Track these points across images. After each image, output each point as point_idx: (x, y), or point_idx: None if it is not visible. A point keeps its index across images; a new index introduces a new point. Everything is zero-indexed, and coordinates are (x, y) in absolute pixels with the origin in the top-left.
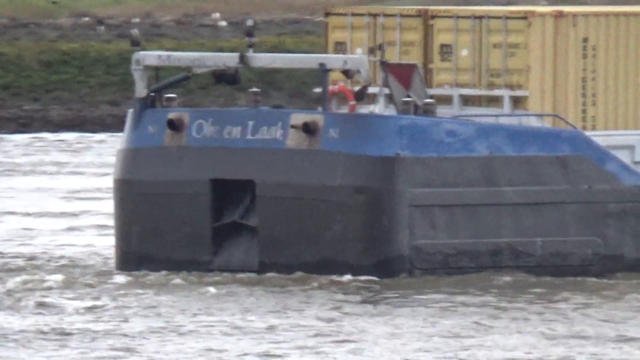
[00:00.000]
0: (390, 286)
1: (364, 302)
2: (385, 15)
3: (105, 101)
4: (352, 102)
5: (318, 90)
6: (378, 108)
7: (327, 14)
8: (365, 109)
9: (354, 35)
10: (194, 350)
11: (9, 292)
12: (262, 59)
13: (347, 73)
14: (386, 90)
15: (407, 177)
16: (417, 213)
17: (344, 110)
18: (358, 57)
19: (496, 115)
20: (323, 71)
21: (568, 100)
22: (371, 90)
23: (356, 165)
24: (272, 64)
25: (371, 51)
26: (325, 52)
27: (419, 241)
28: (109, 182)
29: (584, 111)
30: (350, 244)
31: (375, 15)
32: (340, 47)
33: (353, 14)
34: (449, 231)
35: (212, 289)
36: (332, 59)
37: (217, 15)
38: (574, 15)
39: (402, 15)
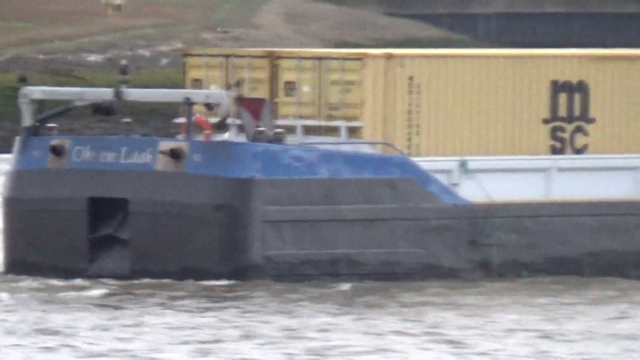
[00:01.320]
0: (242, 289)
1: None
2: (237, 56)
3: None
4: (208, 132)
5: (179, 120)
6: (229, 136)
7: (185, 55)
8: (218, 137)
9: (209, 73)
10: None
11: None
12: (134, 94)
13: (208, 106)
14: (237, 121)
15: (260, 196)
16: (268, 228)
17: (201, 138)
18: (219, 92)
19: (335, 143)
20: (188, 104)
21: (396, 130)
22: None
23: (216, 186)
24: (143, 98)
25: (229, 87)
26: (184, 87)
27: (270, 252)
28: None
29: (409, 139)
30: (211, 254)
31: (227, 56)
32: (197, 83)
33: (208, 55)
34: (295, 243)
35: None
36: (196, 94)
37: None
38: (402, 56)
39: (251, 56)
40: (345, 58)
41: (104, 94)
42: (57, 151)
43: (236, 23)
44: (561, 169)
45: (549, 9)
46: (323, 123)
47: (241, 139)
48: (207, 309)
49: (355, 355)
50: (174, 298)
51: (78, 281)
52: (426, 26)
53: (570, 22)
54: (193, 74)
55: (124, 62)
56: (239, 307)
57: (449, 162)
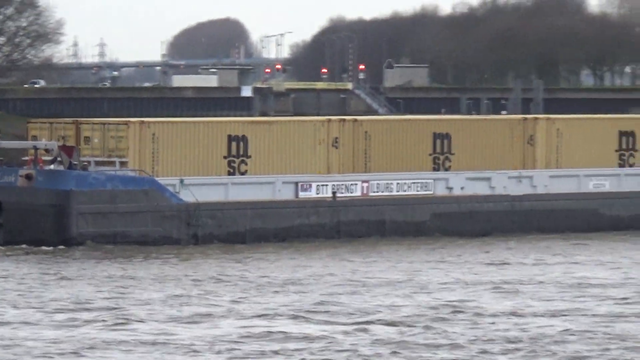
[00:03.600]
0: (67, 252)
1: None
2: (57, 122)
3: None
4: (41, 165)
5: (27, 158)
6: (56, 167)
7: (28, 122)
8: (51, 167)
9: (41, 132)
10: None
11: None
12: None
13: (47, 150)
14: (59, 158)
15: (76, 200)
16: (80, 217)
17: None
18: (51, 142)
19: (114, 170)
20: (35, 149)
21: (146, 163)
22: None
23: (52, 194)
24: (4, 146)
25: (57, 140)
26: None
27: (82, 230)
28: None
29: (153, 168)
30: (50, 232)
31: (51, 123)
32: (34, 138)
33: (40, 122)
34: (95, 225)
35: None
36: (39, 144)
37: None
38: (149, 122)
39: (65, 122)
40: (118, 123)
41: None
42: None
43: None
44: (234, 183)
45: None
46: (106, 159)
47: (62, 168)
48: (42, 260)
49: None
50: (25, 253)
51: None
52: None
53: None
54: (32, 132)
55: None
56: (64, 262)
57: (174, 180)
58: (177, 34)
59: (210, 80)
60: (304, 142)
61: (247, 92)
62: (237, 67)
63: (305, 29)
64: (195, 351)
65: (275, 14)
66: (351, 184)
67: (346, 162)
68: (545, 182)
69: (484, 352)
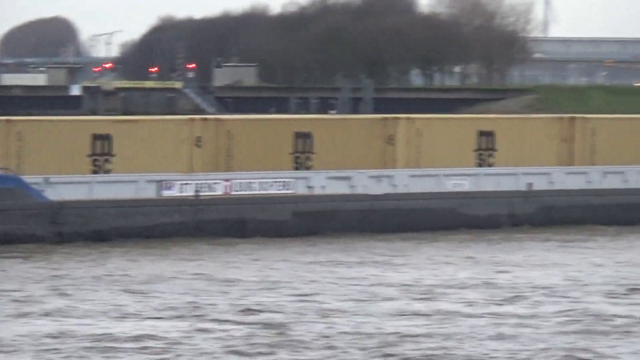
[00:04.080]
0: None
1: None
2: None
3: None
4: None
5: None
6: None
7: None
8: None
9: None
10: None
11: None
12: None
13: None
14: None
15: None
16: None
17: None
18: None
19: None
20: None
21: (11, 162)
22: None
23: None
24: None
25: None
26: None
27: None
28: None
29: (18, 167)
30: None
31: None
32: None
33: None
34: None
35: None
36: None
37: None
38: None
39: None
40: None
41: None
42: None
43: None
44: (98, 182)
45: None
46: None
47: None
48: None
49: None
50: None
51: None
52: None
53: None
54: None
55: None
56: None
57: (39, 178)
58: (5, 33)
59: (39, 79)
60: (167, 141)
61: (76, 90)
62: (66, 65)
63: (135, 28)
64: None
65: (105, 13)
66: (213, 183)
67: (209, 161)
68: (405, 181)
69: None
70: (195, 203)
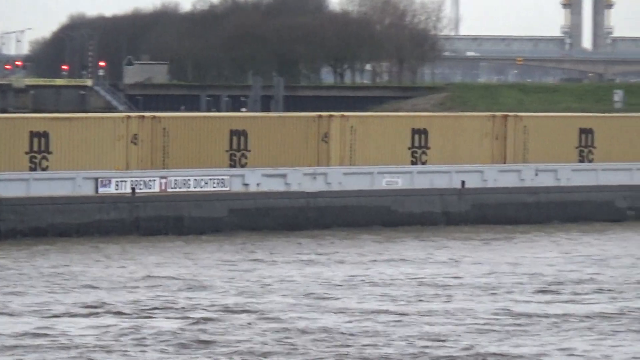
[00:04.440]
0: None
1: None
2: None
3: None
4: None
5: None
6: None
7: None
8: None
9: None
10: None
11: None
12: None
13: None
14: None
15: None
16: None
17: None
18: None
19: None
20: None
21: None
22: None
23: None
24: None
25: None
26: None
27: None
28: None
29: None
30: None
31: None
32: None
33: None
34: None
35: None
36: None
37: None
38: None
39: None
40: None
41: None
42: None
43: None
44: (36, 179)
45: None
46: None
47: None
48: None
49: None
50: None
51: None
52: None
53: None
54: None
55: None
56: None
57: None
58: None
59: None
60: (104, 138)
61: None
62: None
63: (46, 26)
64: None
65: (15, 10)
66: (150, 180)
67: (145, 158)
68: (339, 179)
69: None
70: (132, 200)
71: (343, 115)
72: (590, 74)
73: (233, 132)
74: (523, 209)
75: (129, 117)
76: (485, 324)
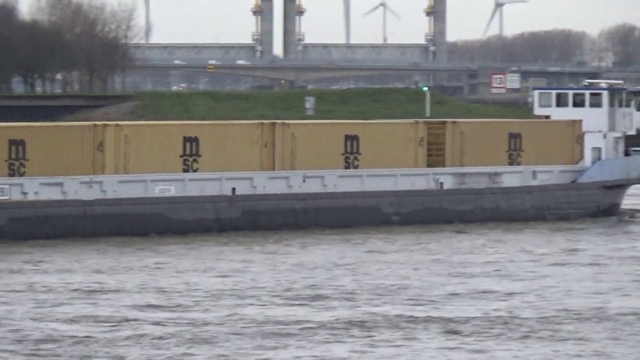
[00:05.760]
0: None
1: None
2: None
3: None
4: None
5: None
6: None
7: None
8: None
9: None
10: None
11: None
12: None
13: None
14: None
15: None
16: None
17: None
18: None
19: None
20: None
21: None
22: None
23: None
24: None
25: None
26: None
27: None
28: None
29: None
30: None
31: None
32: None
33: None
34: None
35: None
36: None
37: None
38: None
39: None
40: None
41: None
42: None
43: None
44: None
45: None
46: None
47: None
48: None
49: None
50: None
51: None
52: None
53: None
54: None
55: None
56: None
57: None
58: None
59: None
60: None
61: None
62: None
63: None
64: None
65: None
66: None
67: None
68: (114, 187)
69: None
70: None
71: (117, 125)
72: (282, 81)
73: (12, 142)
74: (292, 215)
75: None
76: None
